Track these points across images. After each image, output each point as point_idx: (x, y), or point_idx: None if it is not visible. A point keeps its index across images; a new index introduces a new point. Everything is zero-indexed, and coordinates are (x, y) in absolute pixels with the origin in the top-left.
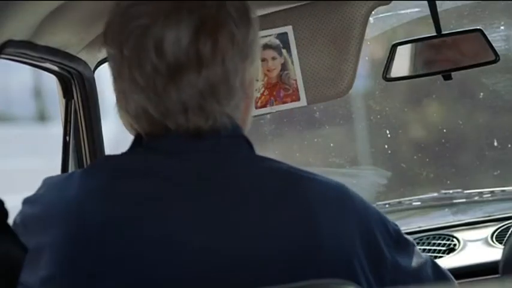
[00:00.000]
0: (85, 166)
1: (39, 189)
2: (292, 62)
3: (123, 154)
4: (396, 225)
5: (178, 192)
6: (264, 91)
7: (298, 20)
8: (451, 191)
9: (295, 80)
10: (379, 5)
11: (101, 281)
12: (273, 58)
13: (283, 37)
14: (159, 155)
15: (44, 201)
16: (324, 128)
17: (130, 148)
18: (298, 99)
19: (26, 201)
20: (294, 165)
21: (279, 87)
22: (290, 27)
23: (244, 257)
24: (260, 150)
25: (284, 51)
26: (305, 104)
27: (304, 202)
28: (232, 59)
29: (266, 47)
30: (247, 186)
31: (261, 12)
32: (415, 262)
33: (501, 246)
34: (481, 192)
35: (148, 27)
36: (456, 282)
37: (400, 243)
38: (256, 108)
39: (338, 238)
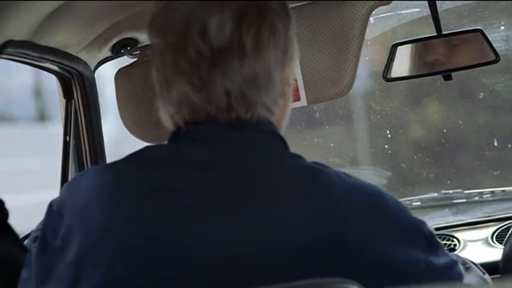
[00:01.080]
0: (85, 166)
1: (82, 174)
2: None
3: (162, 145)
4: (429, 227)
5: (207, 181)
6: None
7: (298, 20)
8: (451, 191)
9: (295, 80)
10: (379, 5)
11: (123, 267)
12: None
13: None
14: (193, 144)
15: (82, 188)
16: (324, 128)
17: (169, 141)
18: (299, 99)
19: (67, 186)
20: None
21: None
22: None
23: (268, 249)
24: None
25: None
26: (305, 104)
27: (330, 199)
28: (273, 51)
29: None
30: (276, 180)
31: None
32: (447, 261)
33: (501, 246)
34: (481, 192)
35: (192, 14)
36: (489, 277)
37: (433, 244)
38: None
39: (366, 237)
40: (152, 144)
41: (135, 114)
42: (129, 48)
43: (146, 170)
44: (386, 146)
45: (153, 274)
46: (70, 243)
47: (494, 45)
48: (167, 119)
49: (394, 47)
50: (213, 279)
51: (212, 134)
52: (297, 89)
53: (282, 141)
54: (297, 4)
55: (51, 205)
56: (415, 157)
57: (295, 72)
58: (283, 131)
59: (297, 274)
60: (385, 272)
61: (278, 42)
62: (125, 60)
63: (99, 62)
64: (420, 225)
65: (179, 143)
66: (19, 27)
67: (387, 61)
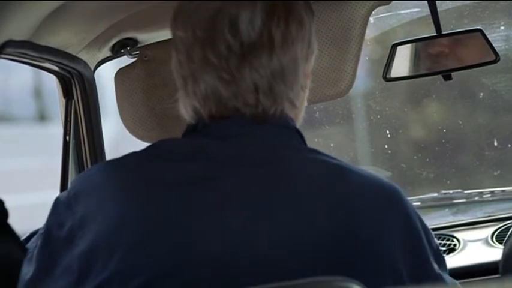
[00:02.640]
0: (85, 166)
1: (95, 168)
2: None
3: (178, 139)
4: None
5: (228, 174)
6: None
7: None
8: (451, 191)
9: None
10: (379, 5)
11: (135, 258)
12: None
13: None
14: (211, 138)
15: (96, 180)
16: (324, 128)
17: (184, 134)
18: None
19: (78, 178)
20: (348, 162)
21: None
22: None
23: (288, 242)
24: None
25: None
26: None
27: (347, 194)
28: (300, 44)
29: None
30: (297, 174)
31: None
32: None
33: (501, 246)
34: (481, 192)
35: (222, 8)
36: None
37: (439, 258)
38: None
39: (377, 234)
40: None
41: (135, 114)
42: (129, 48)
43: (164, 164)
44: (386, 146)
45: (171, 262)
46: (82, 234)
47: (494, 45)
48: (190, 111)
49: (394, 47)
50: (232, 271)
51: (230, 129)
52: None
53: (300, 136)
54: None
55: (57, 200)
56: (415, 157)
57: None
58: (300, 122)
59: (311, 268)
60: (395, 274)
61: (304, 35)
62: (125, 60)
63: (99, 62)
64: (431, 237)
65: (197, 136)
66: (19, 27)
67: (387, 61)
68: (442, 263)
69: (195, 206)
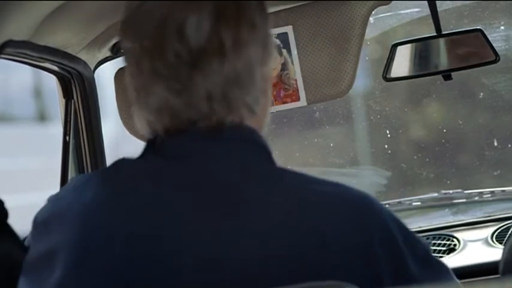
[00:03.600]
0: (85, 166)
1: (65, 187)
2: (292, 62)
3: (138, 159)
4: (427, 245)
5: (189, 201)
6: None
7: (298, 20)
8: (451, 191)
9: (295, 80)
10: (379, 5)
11: None
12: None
13: (283, 37)
14: (168, 158)
15: (63, 202)
16: (324, 128)
17: (144, 152)
18: (298, 99)
19: (50, 199)
20: (314, 177)
21: (279, 87)
22: (290, 27)
23: (252, 272)
24: None
25: (284, 51)
26: (305, 104)
27: (313, 218)
28: (254, 47)
29: None
30: (252, 200)
31: None
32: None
33: (501, 246)
34: (481, 192)
35: (168, 15)
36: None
37: (429, 261)
38: None
39: (348, 249)
40: (128, 158)
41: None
42: None
43: (126, 191)
44: (386, 146)
45: None
46: (56, 261)
47: (494, 45)
48: (144, 126)
49: (394, 47)
50: None
51: (191, 146)
52: (296, 89)
53: (265, 151)
54: (297, 4)
55: (34, 220)
56: (415, 157)
57: (296, 71)
58: (264, 131)
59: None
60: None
61: (258, 37)
62: None
63: (98, 62)
64: (414, 241)
65: (156, 157)
66: (19, 27)
67: (387, 61)
68: (433, 267)
69: (153, 236)
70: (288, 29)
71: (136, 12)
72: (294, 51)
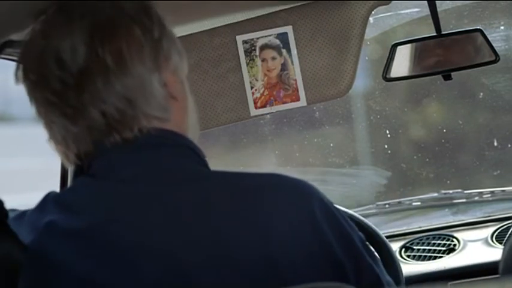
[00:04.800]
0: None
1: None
2: (292, 62)
3: (68, 190)
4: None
5: (130, 222)
6: (263, 91)
7: (298, 20)
8: (451, 191)
9: (295, 80)
10: (379, 5)
11: None
12: (273, 58)
13: (283, 37)
14: (103, 180)
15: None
16: (324, 128)
17: (74, 182)
18: (298, 99)
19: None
20: (242, 172)
21: (278, 87)
22: (290, 27)
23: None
24: (260, 150)
25: (284, 51)
26: (305, 104)
27: (255, 217)
28: (139, 59)
29: (266, 47)
30: (192, 205)
31: (261, 12)
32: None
33: (501, 246)
34: (481, 192)
35: (45, 45)
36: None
37: (367, 247)
38: (256, 108)
39: (298, 244)
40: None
41: None
42: None
43: (75, 216)
44: (386, 146)
45: None
46: None
47: (494, 45)
48: (63, 158)
49: (394, 47)
50: None
51: (113, 165)
52: (296, 89)
53: (193, 153)
54: (297, 4)
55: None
56: (415, 157)
57: (296, 71)
58: (194, 133)
59: None
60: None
61: (141, 48)
62: None
63: None
64: (357, 232)
65: (90, 179)
66: (19, 27)
67: (387, 61)
68: (373, 254)
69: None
70: (288, 29)
71: (24, 46)
72: (294, 51)
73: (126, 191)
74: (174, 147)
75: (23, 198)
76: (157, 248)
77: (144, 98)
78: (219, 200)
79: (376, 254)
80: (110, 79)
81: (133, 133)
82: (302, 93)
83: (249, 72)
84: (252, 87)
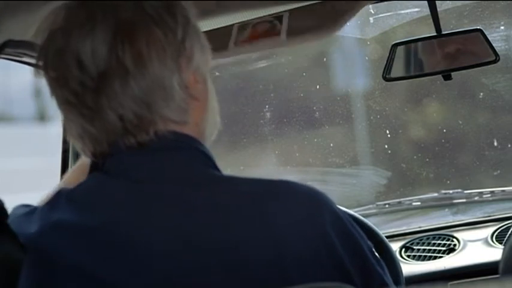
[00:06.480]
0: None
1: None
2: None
3: (81, 187)
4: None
5: (138, 221)
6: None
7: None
8: (451, 191)
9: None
10: None
11: None
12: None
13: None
14: (115, 179)
15: (28, 233)
16: (324, 128)
17: (89, 176)
18: (278, 34)
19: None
20: (255, 178)
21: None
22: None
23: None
24: (260, 150)
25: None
26: (284, 39)
27: (266, 224)
28: (159, 61)
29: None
30: (204, 208)
31: (261, 12)
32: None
33: (501, 246)
34: (481, 192)
35: (66, 45)
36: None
37: (374, 254)
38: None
39: (306, 238)
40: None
41: None
42: None
43: (87, 214)
44: (386, 146)
45: None
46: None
47: (494, 45)
48: (80, 151)
49: (394, 47)
50: None
51: (126, 166)
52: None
53: (205, 157)
54: (298, 4)
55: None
56: (415, 157)
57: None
58: (213, 130)
59: None
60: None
61: (162, 50)
62: None
63: None
64: (365, 239)
65: (104, 176)
66: (19, 27)
67: (387, 61)
68: (379, 261)
69: (117, 258)
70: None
71: (45, 40)
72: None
73: (139, 192)
74: (188, 150)
75: (23, 198)
76: (168, 250)
77: (162, 101)
78: (231, 204)
79: (382, 262)
80: (128, 82)
81: (149, 136)
82: (284, 31)
83: None
84: None
